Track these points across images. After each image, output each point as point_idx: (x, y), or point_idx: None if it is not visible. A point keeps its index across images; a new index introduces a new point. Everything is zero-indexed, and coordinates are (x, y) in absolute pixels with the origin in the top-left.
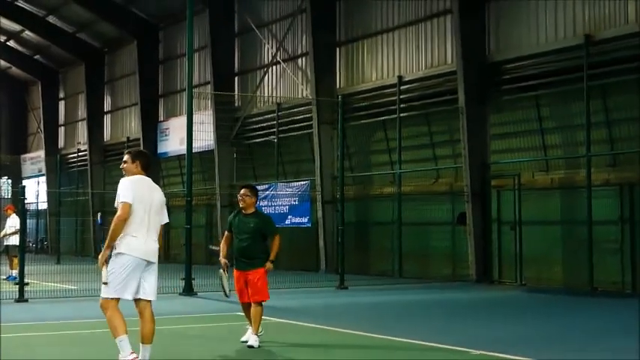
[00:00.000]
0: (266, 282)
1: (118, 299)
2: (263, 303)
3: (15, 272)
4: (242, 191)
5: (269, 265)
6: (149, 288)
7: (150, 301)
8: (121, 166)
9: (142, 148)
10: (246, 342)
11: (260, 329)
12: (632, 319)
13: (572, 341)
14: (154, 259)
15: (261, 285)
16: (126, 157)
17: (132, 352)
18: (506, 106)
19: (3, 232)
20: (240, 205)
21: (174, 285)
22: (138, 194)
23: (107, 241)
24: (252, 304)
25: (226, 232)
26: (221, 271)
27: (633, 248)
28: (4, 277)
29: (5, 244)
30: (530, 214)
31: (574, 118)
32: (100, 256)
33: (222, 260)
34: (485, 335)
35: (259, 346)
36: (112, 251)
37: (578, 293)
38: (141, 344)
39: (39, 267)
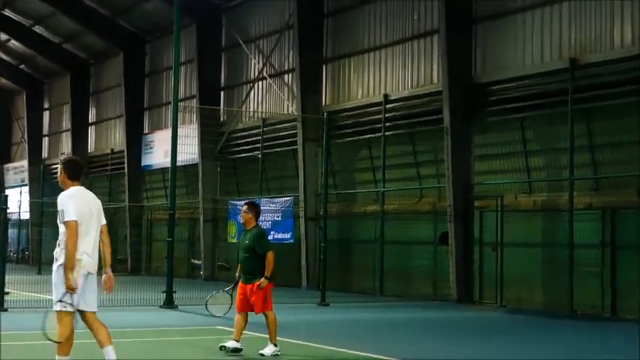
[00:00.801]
0: (261, 296)
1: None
2: (267, 313)
3: None
4: (242, 208)
5: (262, 281)
6: (93, 299)
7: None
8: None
9: (125, 160)
10: (227, 347)
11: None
12: (610, 342)
13: None
14: (95, 270)
15: (255, 299)
16: (59, 168)
17: None
18: (491, 127)
19: None
20: (241, 222)
21: (156, 298)
22: (80, 209)
23: (68, 265)
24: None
25: None
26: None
27: (613, 272)
28: None
29: None
30: (512, 236)
31: (558, 141)
32: (70, 283)
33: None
34: (460, 355)
35: (272, 354)
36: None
37: (558, 316)
38: (106, 347)
39: (20, 277)
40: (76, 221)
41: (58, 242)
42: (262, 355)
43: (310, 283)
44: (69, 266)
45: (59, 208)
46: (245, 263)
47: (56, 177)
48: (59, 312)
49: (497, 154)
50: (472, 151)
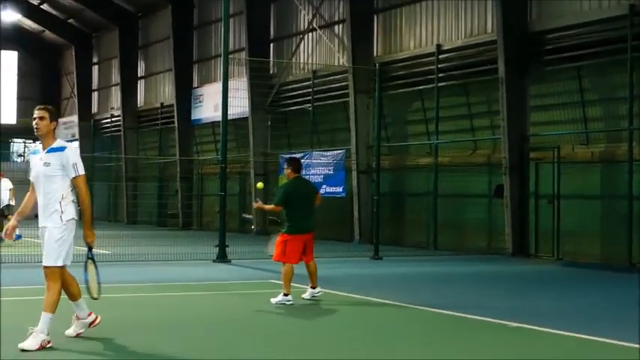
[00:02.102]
0: (280, 245)
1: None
2: (284, 265)
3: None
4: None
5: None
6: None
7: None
8: (35, 127)
9: (175, 114)
10: (305, 298)
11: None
12: None
13: (608, 315)
14: None
15: (276, 248)
16: (42, 114)
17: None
18: (547, 77)
19: (8, 198)
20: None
21: (208, 252)
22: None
23: (89, 220)
24: None
25: None
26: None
27: None
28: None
29: (6, 204)
30: (569, 188)
31: (616, 90)
32: (91, 237)
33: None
34: (522, 308)
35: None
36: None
37: (616, 269)
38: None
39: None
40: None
41: (54, 195)
42: (270, 301)
43: (363, 237)
44: (90, 220)
45: (72, 160)
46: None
47: (106, 132)
48: (62, 267)
49: (554, 104)
50: (527, 102)
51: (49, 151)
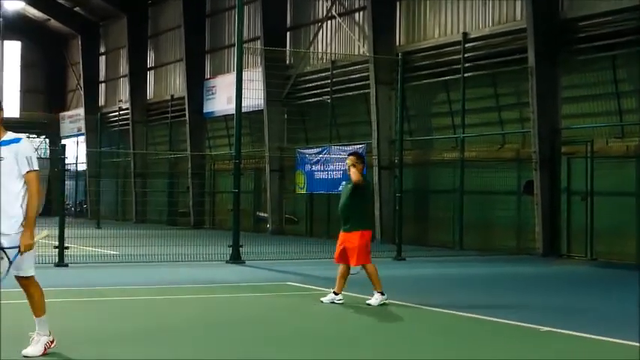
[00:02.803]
0: (368, 246)
1: None
2: (366, 266)
3: None
4: (349, 157)
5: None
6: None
7: None
8: None
9: (186, 107)
10: (323, 302)
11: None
12: None
13: None
14: None
15: (365, 249)
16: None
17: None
18: (580, 67)
19: None
20: (349, 172)
21: (221, 252)
22: None
23: (32, 220)
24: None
25: None
26: None
27: None
28: None
29: None
30: (603, 184)
31: None
32: (29, 240)
33: None
34: (553, 311)
35: (379, 305)
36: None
37: None
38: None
39: (78, 231)
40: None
41: (13, 196)
42: (369, 304)
43: (385, 236)
44: (33, 223)
45: (27, 153)
46: (344, 212)
47: (114, 125)
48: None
49: (587, 95)
50: (559, 93)
51: (1, 144)
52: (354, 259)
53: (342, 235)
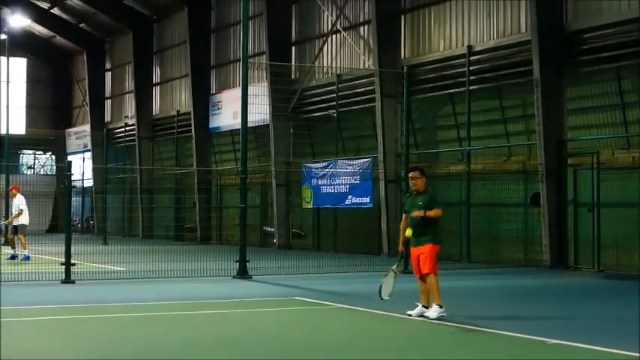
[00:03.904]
0: (434, 257)
1: None
2: (431, 275)
3: (27, 251)
4: (412, 174)
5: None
6: None
7: None
8: None
9: (192, 122)
10: (412, 315)
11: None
12: None
13: None
14: None
15: (423, 260)
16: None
17: None
18: (585, 78)
19: (11, 217)
20: (413, 188)
21: (228, 268)
22: None
23: None
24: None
25: (403, 214)
26: (394, 268)
27: None
28: (21, 259)
29: (15, 224)
30: (610, 196)
31: None
32: None
33: (400, 248)
34: (561, 324)
35: (436, 318)
36: None
37: None
38: None
39: (85, 247)
40: None
41: None
42: (427, 316)
43: (392, 250)
44: None
45: None
46: (418, 226)
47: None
48: None
49: (592, 107)
50: (564, 105)
51: None
52: (425, 265)
53: (412, 249)
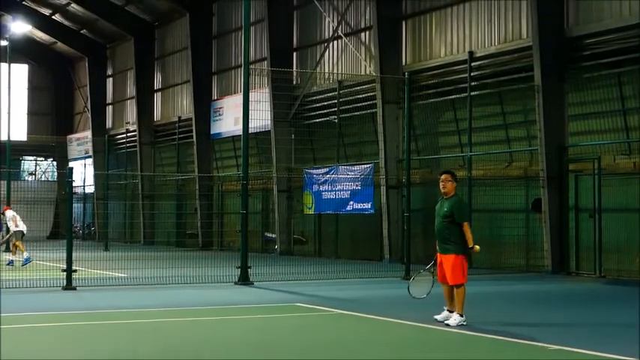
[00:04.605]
0: (459, 267)
1: None
2: (460, 286)
3: (26, 254)
4: (443, 176)
5: (476, 247)
6: None
7: None
8: None
9: (194, 128)
10: (438, 320)
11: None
12: None
13: None
14: None
15: (452, 271)
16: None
17: None
18: (586, 84)
19: (11, 230)
20: (442, 190)
21: (230, 274)
22: None
23: None
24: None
25: None
26: (428, 268)
27: None
28: (22, 264)
29: (15, 230)
30: (611, 201)
31: None
32: None
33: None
34: (563, 329)
35: (455, 326)
36: None
37: None
38: None
39: (87, 254)
40: None
41: None
42: (447, 324)
43: (393, 256)
44: None
45: None
46: (441, 232)
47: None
48: None
49: (593, 112)
50: (565, 111)
51: None
52: (452, 277)
53: (437, 254)
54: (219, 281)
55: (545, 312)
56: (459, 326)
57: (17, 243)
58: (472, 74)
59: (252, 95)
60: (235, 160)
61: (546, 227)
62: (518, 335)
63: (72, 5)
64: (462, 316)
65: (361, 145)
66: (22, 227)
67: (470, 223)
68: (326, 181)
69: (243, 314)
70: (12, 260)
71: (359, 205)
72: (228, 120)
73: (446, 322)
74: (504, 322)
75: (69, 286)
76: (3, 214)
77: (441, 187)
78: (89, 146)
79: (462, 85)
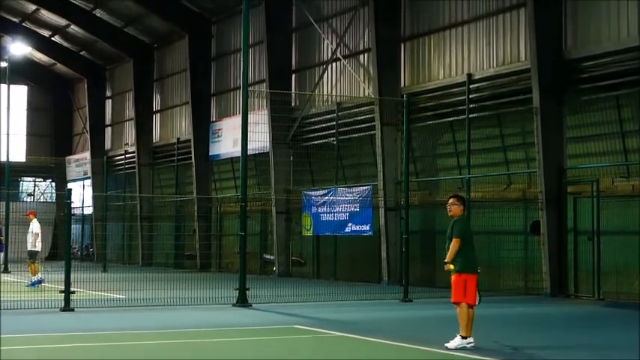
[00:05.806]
0: (460, 286)
1: None
2: (461, 304)
3: (37, 276)
4: (451, 200)
5: (450, 266)
6: None
7: None
8: None
9: (192, 150)
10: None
11: (466, 335)
12: None
13: None
14: None
15: (453, 288)
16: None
17: None
18: (585, 106)
19: (31, 242)
20: (449, 214)
21: (228, 295)
22: None
23: None
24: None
25: None
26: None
27: None
28: (27, 284)
29: (31, 249)
30: (610, 224)
31: None
32: None
33: None
34: (561, 353)
35: (454, 348)
36: None
37: None
38: None
39: (85, 275)
40: None
41: None
42: (446, 347)
43: (392, 278)
44: None
45: None
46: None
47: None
48: None
49: (592, 135)
50: (564, 133)
51: None
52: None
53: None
54: (217, 303)
55: (544, 335)
56: (460, 349)
57: (34, 265)
58: (470, 96)
59: (250, 117)
60: (234, 181)
61: (545, 250)
62: (516, 358)
63: (71, 27)
64: (464, 338)
65: (360, 166)
66: (39, 247)
67: (468, 242)
68: (324, 202)
69: (242, 336)
70: (40, 279)
71: (357, 227)
72: (226, 141)
73: (445, 344)
74: (502, 345)
75: (67, 307)
76: (28, 217)
77: (447, 210)
78: (88, 167)
79: (460, 107)
